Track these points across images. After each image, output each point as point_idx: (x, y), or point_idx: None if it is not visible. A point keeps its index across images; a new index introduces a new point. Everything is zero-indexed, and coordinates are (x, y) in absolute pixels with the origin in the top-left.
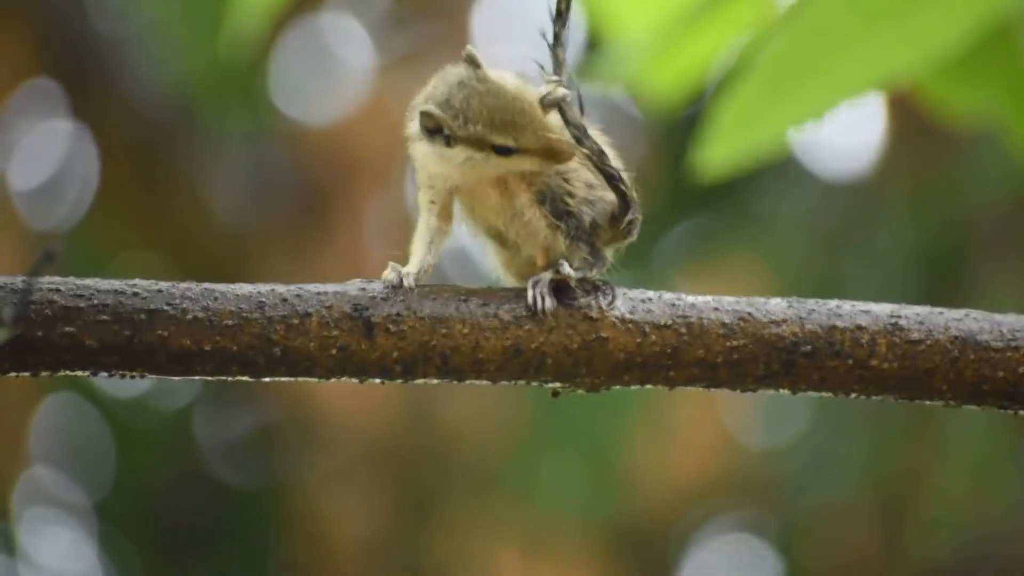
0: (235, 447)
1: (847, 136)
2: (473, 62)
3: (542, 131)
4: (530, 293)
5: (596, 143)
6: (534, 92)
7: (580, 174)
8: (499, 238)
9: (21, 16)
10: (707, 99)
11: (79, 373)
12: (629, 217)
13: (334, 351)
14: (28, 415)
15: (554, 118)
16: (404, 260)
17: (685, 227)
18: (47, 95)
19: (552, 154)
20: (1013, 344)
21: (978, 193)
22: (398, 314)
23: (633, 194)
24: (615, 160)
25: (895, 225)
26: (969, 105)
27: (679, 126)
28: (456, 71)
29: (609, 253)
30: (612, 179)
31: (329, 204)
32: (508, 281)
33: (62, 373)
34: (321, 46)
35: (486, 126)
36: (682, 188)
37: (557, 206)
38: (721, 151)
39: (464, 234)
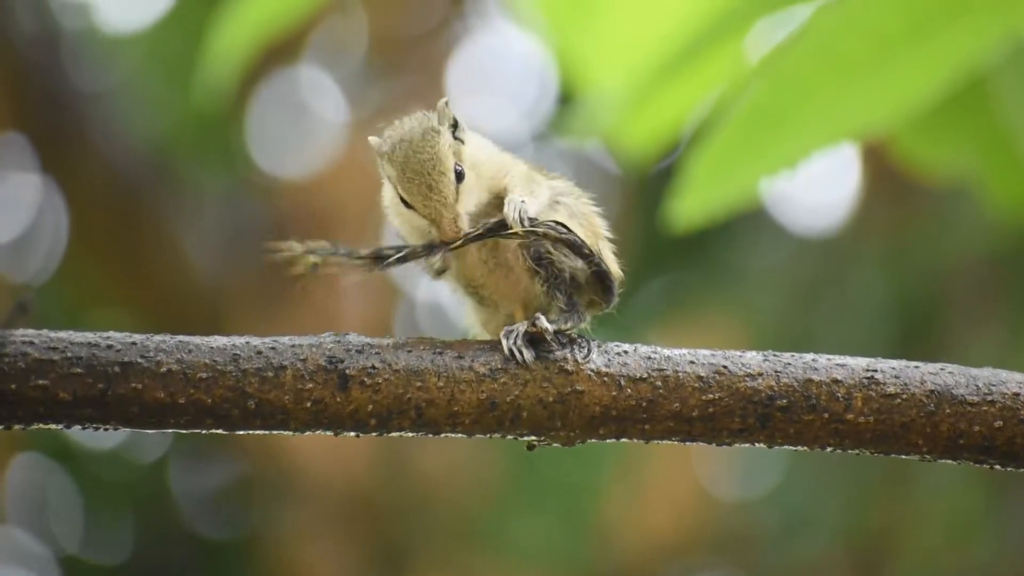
0: (211, 499)
1: (822, 190)
2: (443, 113)
3: (436, 202)
4: (505, 344)
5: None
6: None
7: (578, 233)
8: (477, 295)
9: None
10: (681, 151)
11: (52, 426)
12: (608, 289)
13: (309, 404)
14: (1, 473)
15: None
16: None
17: (660, 281)
18: (18, 148)
19: (436, 226)
20: (989, 398)
21: (953, 247)
22: (373, 367)
23: (610, 269)
24: (597, 226)
25: (870, 279)
26: (943, 159)
27: (653, 179)
28: (421, 118)
29: (587, 314)
30: (586, 258)
31: None
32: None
33: (35, 426)
34: (296, 100)
35: (398, 173)
36: (657, 242)
37: (538, 251)
38: (694, 202)
39: (442, 289)
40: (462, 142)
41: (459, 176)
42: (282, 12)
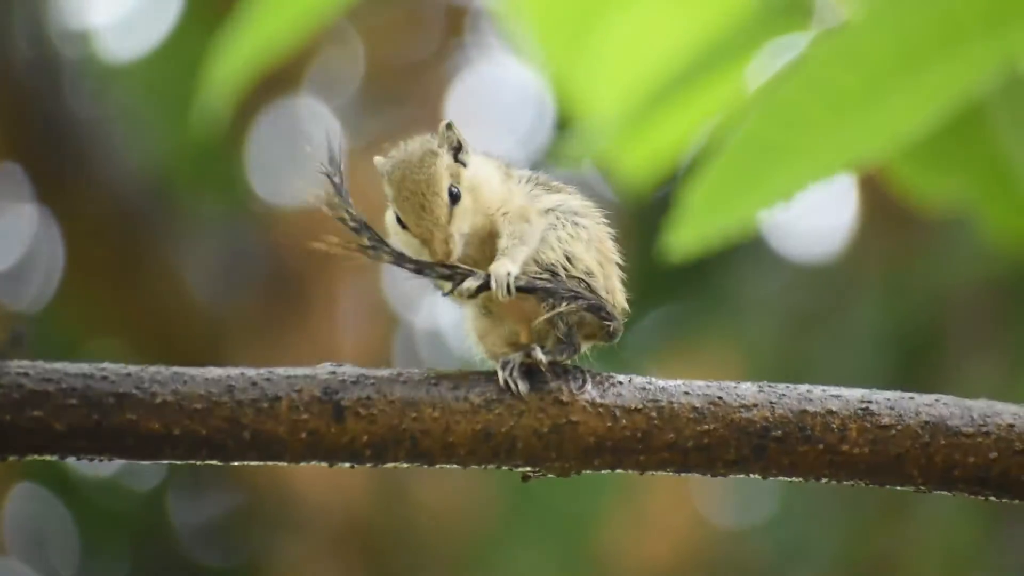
0: (209, 527)
1: (819, 218)
2: (443, 135)
3: (428, 222)
4: (500, 375)
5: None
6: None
7: (585, 260)
8: (484, 306)
9: None
10: (678, 180)
11: (47, 457)
12: (610, 325)
13: (304, 435)
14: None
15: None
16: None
17: (657, 309)
18: (15, 177)
19: (427, 245)
20: (984, 429)
21: (950, 276)
22: (368, 397)
23: (616, 317)
24: (608, 251)
25: (867, 308)
26: (939, 188)
27: (651, 206)
28: (423, 141)
29: (586, 346)
30: (596, 311)
31: (302, 287)
32: (479, 352)
33: (30, 457)
34: (294, 129)
35: (395, 192)
36: (654, 269)
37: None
38: (691, 233)
39: (443, 313)
40: (464, 164)
41: (455, 198)
42: (280, 42)
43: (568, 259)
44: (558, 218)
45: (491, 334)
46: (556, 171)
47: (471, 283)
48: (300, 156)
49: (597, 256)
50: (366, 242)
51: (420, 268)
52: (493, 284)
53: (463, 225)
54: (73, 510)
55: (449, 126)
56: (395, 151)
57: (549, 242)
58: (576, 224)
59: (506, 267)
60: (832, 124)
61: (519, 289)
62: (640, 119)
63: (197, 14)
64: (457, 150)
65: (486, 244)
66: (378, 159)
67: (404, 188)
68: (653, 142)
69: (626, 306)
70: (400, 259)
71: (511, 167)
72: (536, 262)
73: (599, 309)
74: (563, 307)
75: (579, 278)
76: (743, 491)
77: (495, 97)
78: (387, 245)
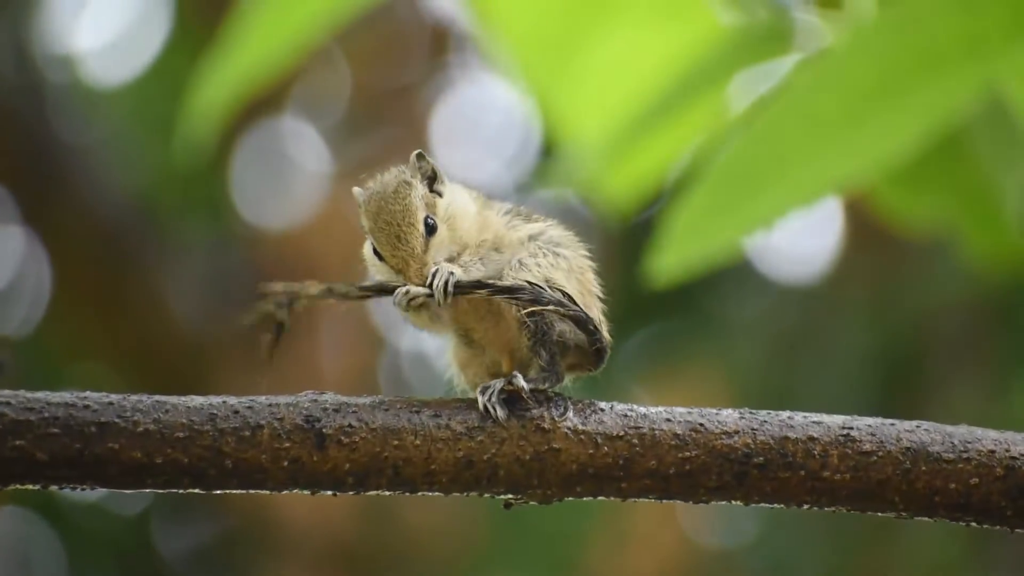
0: (194, 552)
1: (803, 240)
2: (414, 166)
3: (404, 253)
4: (480, 400)
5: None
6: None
7: (565, 288)
8: (466, 336)
9: None
10: (661, 203)
11: (29, 486)
12: (600, 358)
13: (286, 463)
14: None
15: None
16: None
17: (641, 332)
18: (0, 201)
19: (403, 276)
20: (964, 456)
21: (933, 297)
22: (350, 425)
23: (602, 335)
24: (590, 283)
25: (851, 329)
26: (922, 212)
27: (634, 230)
28: (398, 172)
29: (569, 377)
30: (590, 334)
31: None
32: (461, 382)
33: (12, 486)
34: (279, 151)
35: (371, 224)
36: (638, 292)
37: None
38: (675, 256)
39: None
40: (439, 195)
41: (431, 229)
42: (265, 65)
43: (548, 284)
44: (539, 247)
45: (472, 364)
46: (541, 194)
47: (416, 290)
48: (284, 178)
49: (578, 287)
50: (331, 296)
51: (363, 292)
52: (434, 275)
53: (439, 256)
54: (59, 534)
55: (420, 156)
56: (372, 182)
57: (528, 266)
58: (557, 254)
59: (449, 268)
60: (815, 148)
61: (506, 294)
62: (623, 143)
63: (182, 38)
64: (432, 180)
65: None
66: (356, 190)
67: (380, 219)
68: (635, 165)
69: (609, 338)
70: (330, 293)
71: (491, 198)
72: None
73: (584, 322)
74: (558, 326)
75: (563, 292)
76: (729, 511)
77: (480, 120)
78: (340, 289)
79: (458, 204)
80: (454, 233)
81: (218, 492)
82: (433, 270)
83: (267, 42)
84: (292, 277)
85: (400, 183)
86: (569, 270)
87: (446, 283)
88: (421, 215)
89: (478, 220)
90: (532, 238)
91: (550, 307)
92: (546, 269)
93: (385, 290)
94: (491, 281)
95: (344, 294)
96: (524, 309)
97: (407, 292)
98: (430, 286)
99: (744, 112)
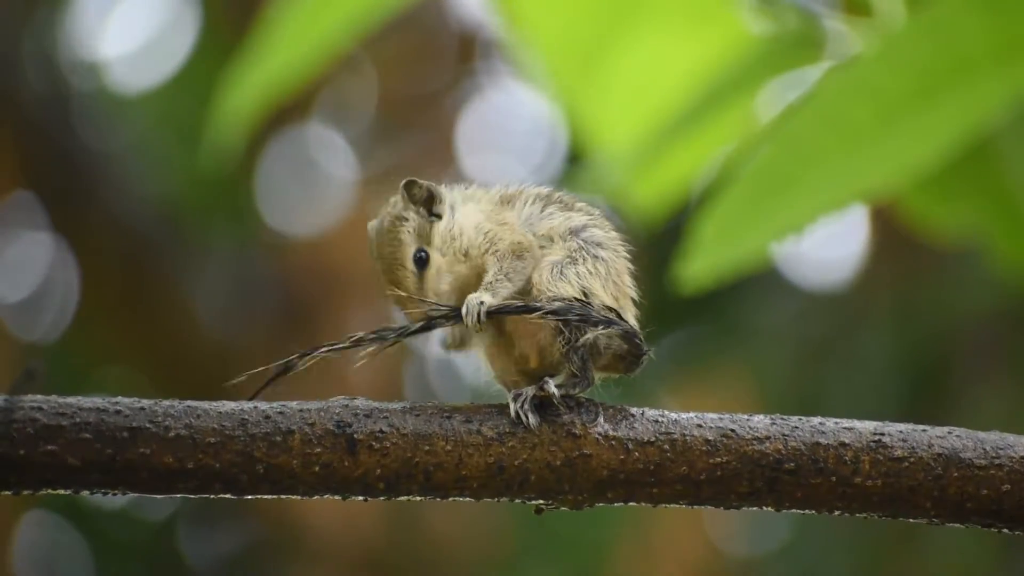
0: (221, 559)
1: (830, 247)
2: (405, 198)
3: (397, 293)
4: (512, 407)
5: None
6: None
7: (601, 296)
8: (498, 327)
9: (5, 129)
10: (690, 210)
11: (61, 491)
12: (636, 363)
13: (317, 468)
14: (10, 532)
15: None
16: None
17: (669, 338)
18: (28, 208)
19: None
20: (996, 462)
21: (961, 305)
22: (381, 431)
23: (644, 346)
24: (625, 285)
25: (878, 336)
26: (949, 219)
27: (662, 238)
28: (392, 206)
29: (599, 377)
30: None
31: (313, 316)
32: (488, 373)
33: (44, 491)
34: (305, 158)
35: (377, 264)
36: (666, 298)
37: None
38: (703, 263)
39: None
40: (439, 217)
41: (422, 263)
42: (292, 71)
43: (585, 295)
44: (578, 249)
45: (501, 356)
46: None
47: (440, 319)
48: (311, 185)
49: (614, 291)
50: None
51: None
52: (464, 312)
53: (440, 283)
54: (85, 539)
55: (409, 184)
56: (382, 211)
57: (567, 276)
58: (596, 257)
59: (480, 297)
60: (844, 156)
61: (553, 316)
62: (651, 150)
63: (209, 45)
64: (430, 202)
65: (474, 288)
66: (370, 224)
67: (380, 262)
68: (664, 172)
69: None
70: (361, 342)
71: (522, 187)
72: (551, 297)
73: (631, 336)
74: (596, 331)
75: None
76: (756, 518)
77: (507, 127)
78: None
79: (460, 222)
80: (455, 254)
81: (248, 498)
82: (463, 310)
83: (294, 49)
84: (317, 284)
85: (393, 220)
86: (607, 275)
87: (478, 314)
88: (411, 252)
89: (491, 227)
90: (573, 233)
91: (600, 328)
92: (584, 279)
93: (428, 328)
94: (539, 304)
95: (392, 340)
96: (569, 329)
97: (451, 342)
98: (463, 316)
99: (773, 119)
